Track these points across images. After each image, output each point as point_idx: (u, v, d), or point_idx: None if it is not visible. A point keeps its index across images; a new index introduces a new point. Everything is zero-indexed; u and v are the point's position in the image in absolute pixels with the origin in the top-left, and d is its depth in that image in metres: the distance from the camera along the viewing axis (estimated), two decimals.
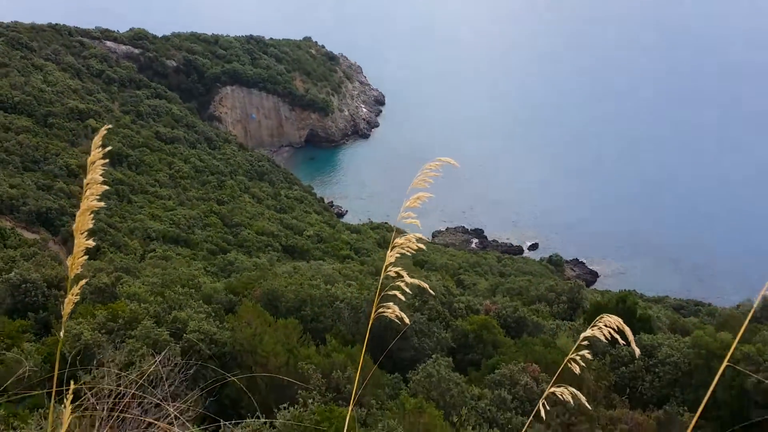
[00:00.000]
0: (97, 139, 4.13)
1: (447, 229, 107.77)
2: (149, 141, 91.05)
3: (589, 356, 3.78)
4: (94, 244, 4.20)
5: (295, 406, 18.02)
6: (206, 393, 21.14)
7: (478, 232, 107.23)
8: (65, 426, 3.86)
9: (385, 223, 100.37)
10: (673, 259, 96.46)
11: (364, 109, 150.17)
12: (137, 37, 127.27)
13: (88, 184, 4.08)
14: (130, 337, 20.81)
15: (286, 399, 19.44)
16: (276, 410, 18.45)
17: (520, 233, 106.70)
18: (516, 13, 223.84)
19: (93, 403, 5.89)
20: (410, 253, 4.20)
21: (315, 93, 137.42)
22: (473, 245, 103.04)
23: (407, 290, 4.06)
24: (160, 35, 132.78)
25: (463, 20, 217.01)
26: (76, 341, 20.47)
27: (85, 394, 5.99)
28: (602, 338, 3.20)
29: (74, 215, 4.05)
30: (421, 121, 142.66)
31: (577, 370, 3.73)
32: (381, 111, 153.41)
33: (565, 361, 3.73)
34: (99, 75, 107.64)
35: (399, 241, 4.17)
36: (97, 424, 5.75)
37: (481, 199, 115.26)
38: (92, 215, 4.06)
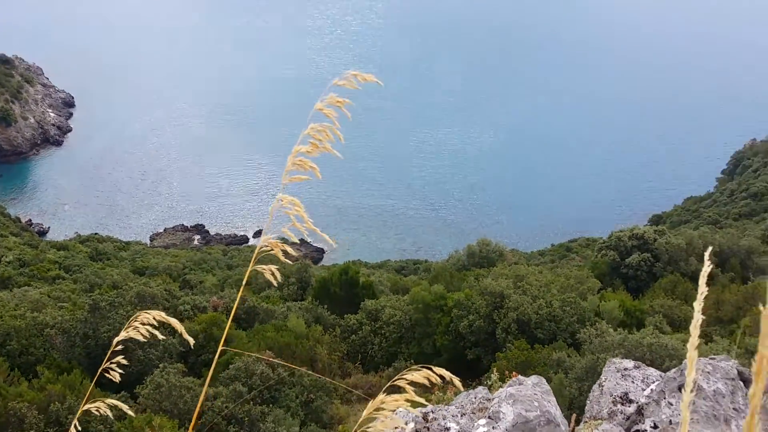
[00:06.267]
0: None
1: (165, 229, 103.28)
2: None
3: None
4: None
5: None
6: None
7: (199, 228, 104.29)
8: None
9: (95, 234, 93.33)
10: (395, 225, 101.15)
11: (52, 114, 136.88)
12: None
13: None
14: None
15: None
16: None
17: (243, 222, 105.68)
18: None
19: None
20: None
21: None
22: (196, 242, 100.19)
23: None
24: None
25: None
26: None
27: None
28: (140, 338, 2.97)
29: None
30: (117, 117, 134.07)
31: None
32: (72, 114, 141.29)
33: None
34: None
35: None
36: None
37: (199, 195, 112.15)
38: None
